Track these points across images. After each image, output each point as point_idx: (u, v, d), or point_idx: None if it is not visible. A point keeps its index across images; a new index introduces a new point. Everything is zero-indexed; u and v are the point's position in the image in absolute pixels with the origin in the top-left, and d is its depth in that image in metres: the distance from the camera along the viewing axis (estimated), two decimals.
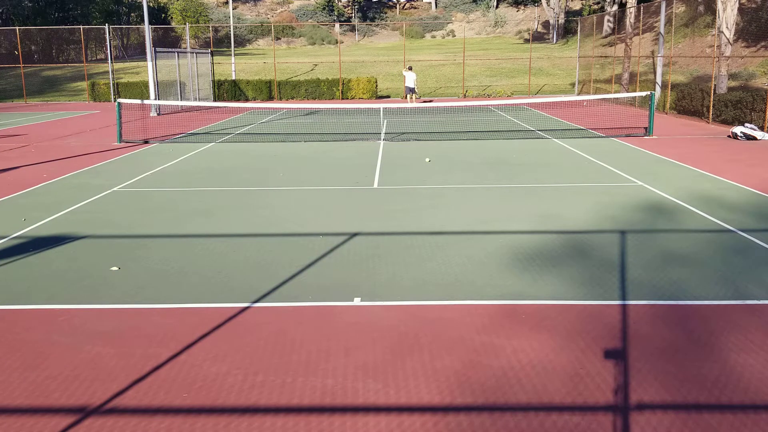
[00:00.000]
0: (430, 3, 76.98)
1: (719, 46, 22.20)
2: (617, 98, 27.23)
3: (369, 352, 5.00)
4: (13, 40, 43.99)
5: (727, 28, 22.10)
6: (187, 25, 37.32)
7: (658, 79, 25.01)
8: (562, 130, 19.33)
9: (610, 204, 9.73)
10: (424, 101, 31.42)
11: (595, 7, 53.73)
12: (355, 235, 8.23)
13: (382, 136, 18.43)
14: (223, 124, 22.44)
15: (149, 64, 25.36)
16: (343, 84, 33.69)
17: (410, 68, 28.99)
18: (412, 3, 77.70)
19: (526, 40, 55.15)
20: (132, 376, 4.65)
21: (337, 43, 60.36)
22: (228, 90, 33.31)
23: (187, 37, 36.33)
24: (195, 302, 6.05)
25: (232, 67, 38.55)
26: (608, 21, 40.31)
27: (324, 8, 70.00)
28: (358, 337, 5.26)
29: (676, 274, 6.63)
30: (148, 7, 28.72)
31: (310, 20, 68.09)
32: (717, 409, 4.15)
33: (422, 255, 7.34)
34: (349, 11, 72.88)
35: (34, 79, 41.17)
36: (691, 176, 11.91)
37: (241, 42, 61.05)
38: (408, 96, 28.37)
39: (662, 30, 24.95)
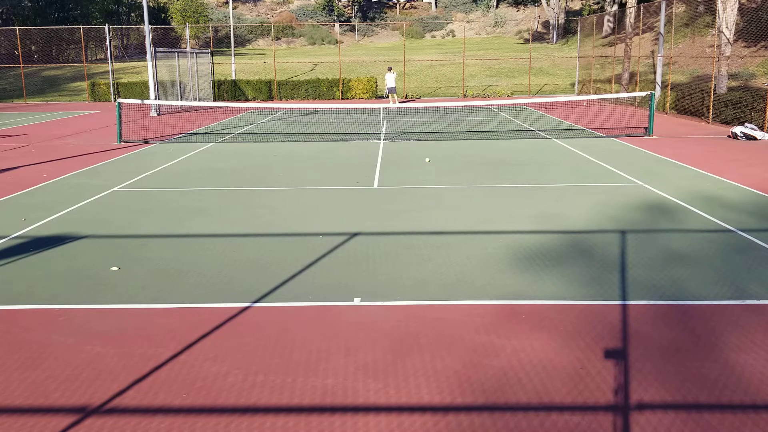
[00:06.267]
0: (430, 3, 76.97)
1: (719, 46, 22.19)
2: (617, 98, 27.22)
3: (369, 352, 5.00)
4: (13, 40, 44.00)
5: (727, 28, 22.10)
6: (187, 25, 37.31)
7: (658, 79, 25.00)
8: (562, 130, 19.33)
9: (610, 204, 9.73)
10: (405, 100, 31.85)
11: (595, 7, 53.73)
12: (355, 235, 8.23)
13: (382, 136, 18.43)
14: (223, 124, 22.44)
15: (149, 64, 25.36)
16: (343, 84, 33.68)
17: (390, 68, 29.59)
18: (412, 3, 77.69)
19: (526, 40, 55.14)
20: (132, 376, 4.65)
21: (337, 43, 60.36)
22: (228, 90, 33.31)
23: (187, 37, 36.32)
24: (195, 302, 6.05)
25: (232, 67, 38.55)
26: (608, 21, 40.31)
27: (324, 8, 70.01)
28: (358, 337, 5.26)
29: (676, 273, 6.63)
30: (148, 7, 28.72)
31: (310, 20, 68.09)
32: (717, 408, 4.15)
33: (422, 255, 7.34)
34: (349, 11, 72.88)
35: (34, 79, 41.16)
36: (691, 176, 11.91)
37: (241, 42, 61.05)
38: (390, 96, 28.89)
39: (662, 30, 24.95)
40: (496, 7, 70.31)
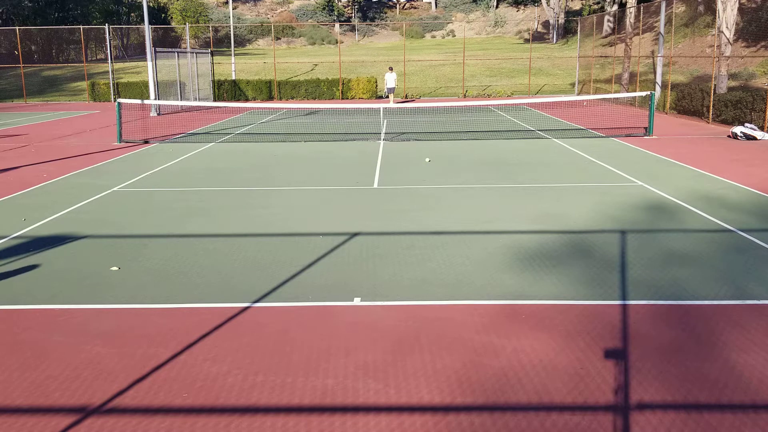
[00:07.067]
0: (430, 3, 76.96)
1: (719, 46, 22.19)
2: (617, 98, 27.22)
3: (369, 352, 5.00)
4: (13, 40, 43.99)
5: (727, 28, 22.10)
6: (187, 25, 37.31)
7: (658, 79, 25.00)
8: (562, 130, 19.33)
9: (611, 204, 9.73)
10: (404, 101, 31.93)
11: (595, 7, 53.73)
12: (355, 235, 8.23)
13: (382, 136, 18.43)
14: (223, 124, 22.43)
15: (149, 64, 25.36)
16: (343, 84, 33.68)
17: (390, 69, 29.74)
18: (412, 3, 77.69)
19: (526, 40, 55.14)
20: (132, 376, 4.65)
21: (337, 43, 60.36)
22: (228, 90, 33.30)
23: (187, 37, 36.32)
24: (195, 302, 6.04)
25: (232, 67, 38.54)
26: (608, 21, 40.31)
27: (324, 8, 69.99)
28: (358, 337, 5.26)
29: (676, 273, 6.63)
30: (148, 7, 28.72)
31: (310, 20, 68.09)
32: (717, 408, 4.15)
33: (422, 255, 7.34)
34: (349, 11, 72.88)
35: (34, 79, 41.16)
36: (691, 176, 11.91)
37: (241, 42, 61.04)
38: (389, 96, 29.04)
39: (662, 30, 24.95)
40: (496, 7, 70.31)
